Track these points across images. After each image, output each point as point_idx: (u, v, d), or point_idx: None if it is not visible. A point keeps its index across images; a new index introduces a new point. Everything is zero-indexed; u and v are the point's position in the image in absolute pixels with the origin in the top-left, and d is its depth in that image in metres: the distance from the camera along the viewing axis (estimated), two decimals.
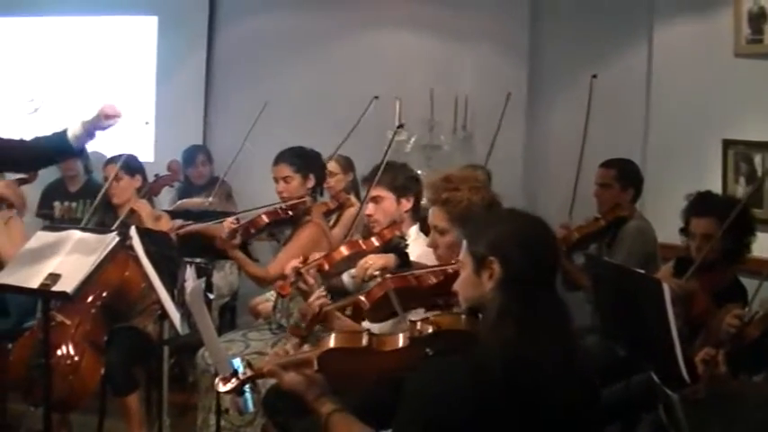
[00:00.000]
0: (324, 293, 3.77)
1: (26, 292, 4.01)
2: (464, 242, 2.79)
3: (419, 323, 2.76)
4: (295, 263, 4.10)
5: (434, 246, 3.67)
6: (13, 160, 4.16)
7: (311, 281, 3.99)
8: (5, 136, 4.14)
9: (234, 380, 2.91)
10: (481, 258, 2.63)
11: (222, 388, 2.94)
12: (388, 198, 4.45)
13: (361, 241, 4.23)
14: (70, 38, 8.56)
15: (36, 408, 4.85)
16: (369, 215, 4.53)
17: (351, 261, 4.12)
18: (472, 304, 2.71)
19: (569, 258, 5.52)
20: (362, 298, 3.62)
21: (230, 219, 5.09)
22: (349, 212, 6.16)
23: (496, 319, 2.54)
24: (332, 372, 2.80)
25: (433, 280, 3.50)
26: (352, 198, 6.35)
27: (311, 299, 3.82)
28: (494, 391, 2.41)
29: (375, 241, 4.17)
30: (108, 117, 3.99)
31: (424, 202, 4.47)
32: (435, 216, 3.59)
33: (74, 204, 6.96)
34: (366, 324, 3.79)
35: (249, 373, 2.92)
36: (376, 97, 6.86)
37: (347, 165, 6.67)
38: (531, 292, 2.57)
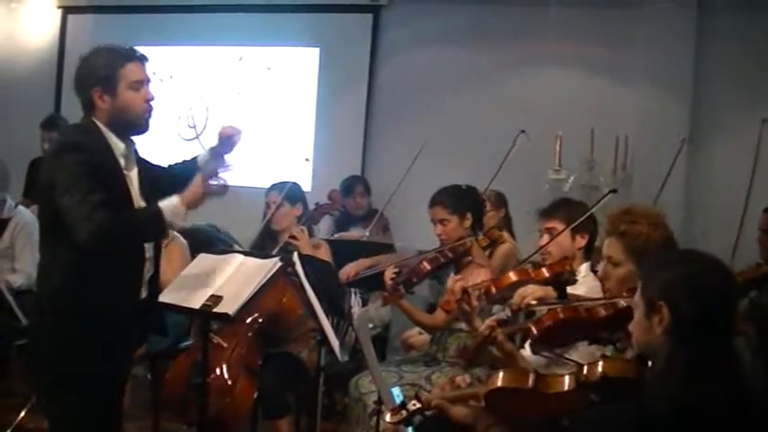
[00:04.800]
0: (495, 319, 3.74)
1: (188, 311, 4.08)
2: (639, 283, 2.72)
3: (586, 367, 2.71)
4: (462, 282, 4.10)
5: (605, 278, 3.58)
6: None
7: (475, 302, 3.98)
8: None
9: (403, 411, 3.01)
10: (651, 302, 2.56)
11: (391, 419, 3.04)
12: (564, 232, 4.39)
13: (530, 270, 4.19)
14: (233, 67, 8.84)
15: (189, 427, 4.95)
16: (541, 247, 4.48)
17: (518, 288, 4.08)
18: (643, 350, 2.65)
19: None
20: (532, 326, 3.57)
21: (390, 269, 5.05)
22: (501, 249, 6.02)
23: (664, 367, 2.48)
24: (497, 410, 2.80)
25: (603, 313, 3.39)
26: (505, 234, 6.23)
27: (483, 326, 3.79)
28: None
29: (545, 272, 4.12)
30: (228, 137, 4.12)
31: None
32: (611, 247, 3.48)
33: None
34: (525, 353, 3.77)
35: (418, 405, 3.03)
36: (522, 131, 6.78)
37: (499, 201, 6.58)
38: (701, 340, 2.48)
